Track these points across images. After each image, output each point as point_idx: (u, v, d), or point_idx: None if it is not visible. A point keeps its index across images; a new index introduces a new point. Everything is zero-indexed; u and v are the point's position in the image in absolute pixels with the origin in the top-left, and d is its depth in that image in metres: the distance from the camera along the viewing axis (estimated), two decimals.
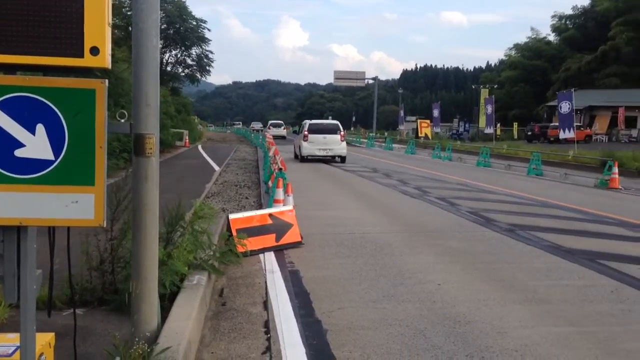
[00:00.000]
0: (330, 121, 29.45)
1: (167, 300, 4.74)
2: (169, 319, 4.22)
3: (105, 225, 3.10)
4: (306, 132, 25.12)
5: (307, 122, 26.99)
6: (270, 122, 58.21)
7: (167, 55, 48.09)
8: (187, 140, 35.43)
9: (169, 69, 48.46)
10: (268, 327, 4.92)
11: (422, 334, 4.77)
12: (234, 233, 7.25)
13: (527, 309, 5.49)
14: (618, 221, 10.88)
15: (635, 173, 21.04)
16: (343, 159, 25.17)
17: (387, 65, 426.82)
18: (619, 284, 6.42)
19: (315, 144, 24.77)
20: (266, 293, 5.90)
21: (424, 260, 7.42)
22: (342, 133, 25.45)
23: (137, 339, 3.57)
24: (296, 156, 26.76)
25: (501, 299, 5.80)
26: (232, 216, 7.71)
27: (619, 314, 5.40)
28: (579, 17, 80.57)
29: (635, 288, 6.28)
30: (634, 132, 51.92)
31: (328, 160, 25.17)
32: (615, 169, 17.60)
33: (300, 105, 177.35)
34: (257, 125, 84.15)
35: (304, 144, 24.98)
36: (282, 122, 59.06)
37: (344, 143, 25.59)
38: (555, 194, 15.28)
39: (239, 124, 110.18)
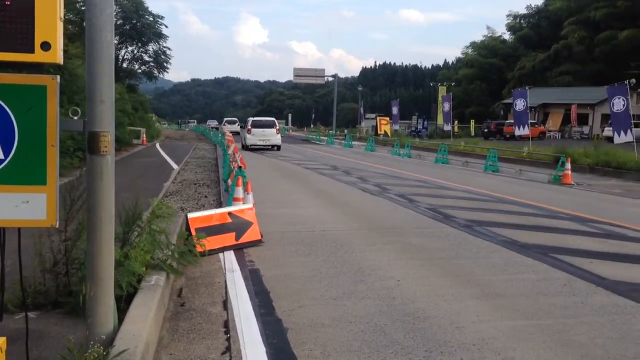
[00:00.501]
0: (268, 118, 35.28)
1: (123, 302, 4.64)
2: (126, 321, 4.13)
3: (58, 226, 3.03)
4: (250, 127, 31.95)
5: (251, 119, 34.08)
6: (225, 119, 62.21)
7: (123, 51, 47.21)
8: (145, 139, 34.87)
9: (125, 65, 47.57)
10: (228, 326, 4.88)
11: (382, 331, 4.80)
12: (193, 232, 7.16)
13: (484, 304, 5.59)
14: (571, 216, 11.17)
15: (587, 169, 21.61)
16: (278, 147, 31.69)
17: (346, 62, 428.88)
18: (571, 277, 6.59)
19: (256, 136, 31.34)
20: (226, 292, 5.85)
21: (383, 257, 7.48)
22: (277, 128, 32.40)
23: (92, 342, 3.49)
24: (243, 147, 31.15)
25: (459, 294, 5.89)
26: (190, 215, 7.62)
27: (572, 307, 5.54)
28: (533, 16, 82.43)
29: (586, 281, 6.46)
30: (586, 129, 53.46)
31: (288, 158, 26.35)
32: (568, 165, 18.06)
33: (260, 102, 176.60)
34: (212, 122, 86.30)
35: (248, 136, 31.63)
36: (236, 119, 64.17)
37: (279, 135, 32.55)
38: (511, 189, 15.60)
39: (194, 122, 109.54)
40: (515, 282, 6.33)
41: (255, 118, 35.41)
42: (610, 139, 26.41)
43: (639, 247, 8.43)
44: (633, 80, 23.63)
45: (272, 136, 31.59)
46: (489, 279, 6.45)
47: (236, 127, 56.43)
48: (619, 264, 7.33)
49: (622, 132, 21.63)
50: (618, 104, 21.71)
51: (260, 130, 31.50)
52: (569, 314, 5.33)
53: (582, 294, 5.96)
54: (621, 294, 5.94)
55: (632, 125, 21.70)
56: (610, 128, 26.80)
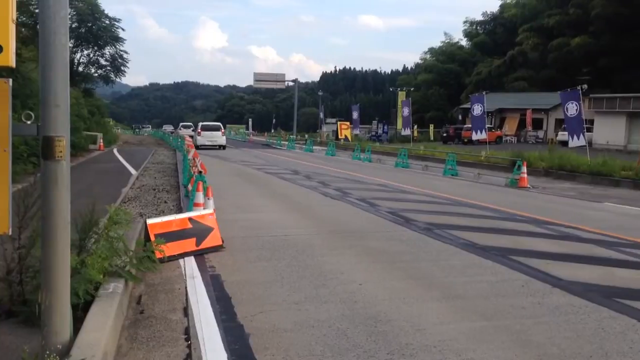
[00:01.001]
0: (215, 123, 42.73)
1: (80, 310, 4.53)
2: (83, 329, 4.04)
3: (11, 233, 2.93)
4: (200, 130, 38.90)
5: (200, 123, 41.29)
6: (180, 124, 66.17)
7: (78, 55, 46.28)
8: (102, 144, 34.21)
9: (80, 69, 46.64)
10: (189, 333, 4.81)
11: (344, 334, 4.81)
12: (152, 238, 7.04)
13: (445, 306, 5.65)
14: (527, 218, 11.42)
15: (542, 172, 22.13)
16: (224, 147, 38.41)
17: (306, 67, 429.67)
18: (528, 279, 6.73)
19: (205, 138, 37.81)
20: (186, 299, 5.77)
21: (345, 260, 7.50)
22: (222, 131, 39.21)
23: (48, 352, 3.40)
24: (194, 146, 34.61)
25: (420, 296, 5.94)
26: (150, 221, 7.50)
27: (530, 307, 5.65)
28: (489, 23, 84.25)
29: (543, 282, 6.60)
30: (541, 134, 54.83)
31: (249, 163, 26.46)
32: (524, 169, 18.47)
33: (220, 107, 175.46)
34: (168, 127, 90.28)
35: (198, 137, 37.48)
36: (191, 124, 66.96)
37: (224, 137, 39.45)
38: (470, 193, 15.86)
39: (149, 127, 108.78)
40: (474, 284, 6.43)
41: (204, 123, 42.31)
42: (564, 143, 27.16)
43: (593, 248, 8.66)
44: (585, 86, 24.32)
45: (218, 137, 38.55)
46: (449, 281, 6.53)
47: (191, 132, 56.63)
48: (574, 264, 7.52)
49: (575, 136, 22.24)
50: (571, 108, 22.32)
51: (209, 132, 38.56)
52: (526, 315, 5.43)
53: (539, 295, 6.09)
54: (576, 294, 6.09)
55: (585, 130, 22.35)
56: (564, 132, 27.55)
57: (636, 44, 53.35)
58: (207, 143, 37.24)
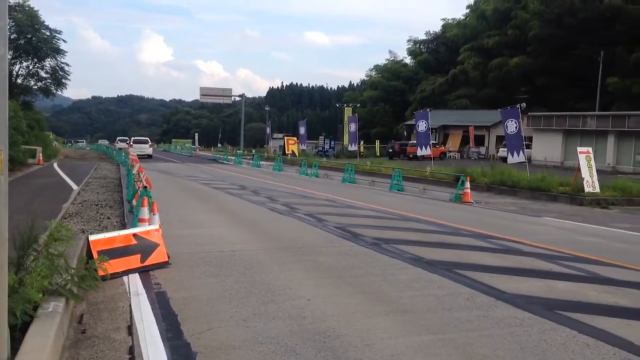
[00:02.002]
0: (144, 137, 56.51)
1: (19, 331, 4.34)
2: (21, 350, 3.87)
3: None
4: (131, 143, 52.11)
5: (133, 138, 56.11)
6: (133, 138, 63.08)
7: (17, 66, 44.76)
8: (41, 158, 33.13)
9: (19, 81, 45.11)
10: (133, 353, 4.67)
11: (293, 351, 4.77)
12: (95, 255, 6.83)
13: (393, 320, 5.69)
14: (472, 233, 11.66)
15: (484, 187, 22.69)
16: (150, 156, 48.78)
17: (253, 82, 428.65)
18: (474, 292, 6.85)
19: (136, 149, 43.60)
20: (130, 317, 5.61)
21: (293, 276, 7.46)
22: (149, 144, 52.51)
23: None
24: None
25: (368, 311, 5.96)
26: (92, 237, 7.28)
27: (475, 320, 5.75)
28: (432, 42, 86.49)
29: (488, 295, 6.74)
30: (483, 150, 56.36)
31: (195, 178, 26.36)
32: (468, 184, 18.90)
33: (165, 121, 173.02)
34: (104, 142, 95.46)
35: (131, 148, 42.60)
36: (127, 138, 72.06)
37: (151, 148, 52.15)
38: (416, 208, 16.10)
39: (83, 142, 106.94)
40: (421, 298, 6.50)
41: (135, 137, 56.86)
42: (504, 159, 27.93)
43: (534, 261, 8.90)
44: (524, 104, 25.13)
45: (146, 149, 49.61)
46: (396, 296, 6.58)
47: (126, 144, 57.89)
48: (517, 277, 7.71)
49: (515, 153, 22.94)
50: (511, 126, 23.02)
51: (139, 145, 49.86)
52: (472, 328, 5.53)
53: (484, 308, 6.20)
54: (519, 307, 6.24)
55: (524, 147, 23.08)
56: (505, 149, 28.37)
57: (571, 65, 55.71)
58: (138, 152, 41.16)
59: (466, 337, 5.23)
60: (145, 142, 51.69)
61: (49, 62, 46.19)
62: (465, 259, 8.91)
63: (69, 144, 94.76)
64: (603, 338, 5.26)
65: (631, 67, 50.27)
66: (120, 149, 50.40)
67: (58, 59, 46.17)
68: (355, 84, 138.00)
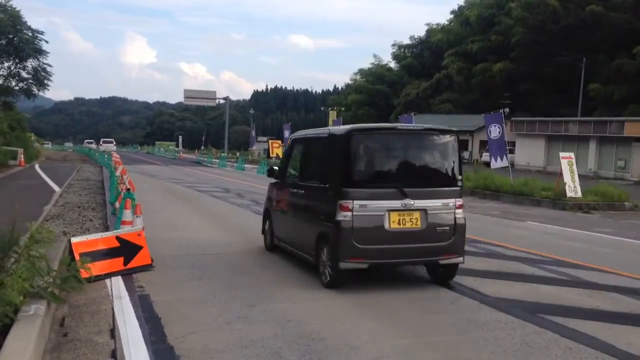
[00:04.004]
0: (110, 139, 78.07)
1: None
2: (1, 354, 3.81)
3: None
4: (101, 143, 72.90)
5: (102, 139, 77.09)
6: (102, 139, 79.94)
7: None
8: (23, 159, 32.75)
9: (0, 82, 44.61)
10: (116, 356, 4.63)
11: (278, 354, 4.75)
12: (77, 258, 6.76)
13: (377, 323, 5.70)
14: None
15: (468, 192, 22.75)
16: (115, 151, 49.42)
17: (237, 85, 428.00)
18: (457, 295, 6.89)
19: (103, 147, 61.52)
20: (113, 320, 5.56)
21: (278, 279, 7.44)
22: (114, 143, 76.07)
23: None
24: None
25: (352, 314, 5.97)
26: (74, 240, 7.21)
27: (459, 324, 5.78)
28: (416, 46, 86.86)
29: (471, 298, 6.77)
30: (466, 154, 56.67)
31: (179, 180, 26.28)
32: None
33: (149, 123, 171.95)
34: (68, 144, 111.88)
35: (100, 147, 63.73)
36: (92, 140, 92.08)
37: (115, 146, 72.50)
38: None
39: (48, 144, 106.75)
40: (405, 301, 6.52)
41: (104, 138, 79.07)
42: (488, 164, 28.08)
43: (518, 265, 8.97)
44: (507, 110, 25.34)
45: (112, 147, 65.46)
46: (380, 299, 6.58)
47: (112, 147, 73.48)
48: (500, 281, 7.76)
49: (498, 157, 23.07)
50: (494, 131, 23.16)
51: (106, 144, 68.51)
52: (456, 331, 5.55)
53: (468, 311, 6.23)
54: (503, 310, 6.27)
55: (507, 152, 23.24)
56: (488, 153, 28.56)
57: (553, 71, 56.30)
58: (105, 149, 55.51)
59: (450, 340, 5.25)
60: (111, 142, 74.18)
61: (30, 63, 45.71)
62: None
63: (46, 145, 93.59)
64: (585, 341, 5.30)
65: (612, 74, 50.91)
66: (104, 151, 52.41)
67: (40, 59, 45.70)
68: (339, 88, 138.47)
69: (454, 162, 7.68)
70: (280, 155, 53.80)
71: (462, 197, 7.64)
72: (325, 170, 7.60)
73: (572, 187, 19.46)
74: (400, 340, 5.20)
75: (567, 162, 20.02)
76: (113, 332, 5.21)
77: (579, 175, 20.61)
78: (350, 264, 6.84)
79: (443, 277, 7.52)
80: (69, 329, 5.27)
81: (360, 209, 6.87)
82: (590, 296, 7.10)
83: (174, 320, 5.59)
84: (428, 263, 7.54)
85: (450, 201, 7.44)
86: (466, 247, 10.34)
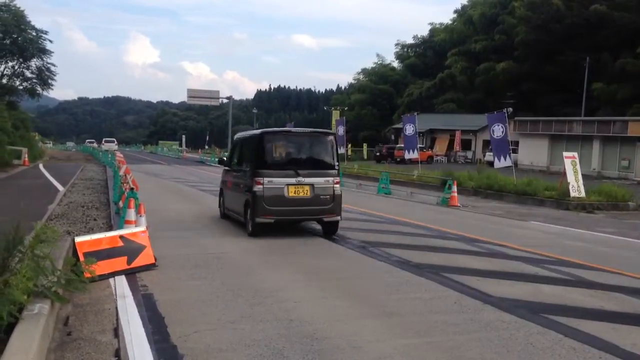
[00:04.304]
0: (111, 138, 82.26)
1: (3, 333, 4.30)
2: (6, 352, 3.83)
3: None
4: (103, 142, 75.61)
5: (104, 138, 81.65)
6: (104, 139, 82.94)
7: (2, 66, 44.44)
8: (27, 159, 32.82)
9: (4, 81, 44.74)
10: (119, 355, 4.64)
11: (281, 353, 4.76)
12: (81, 257, 6.78)
13: (380, 323, 5.70)
14: (458, 236, 11.71)
15: (471, 191, 22.78)
16: (116, 150, 52.99)
17: (240, 84, 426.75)
18: (461, 295, 6.88)
19: (105, 146, 63.80)
20: (117, 319, 5.57)
21: (281, 278, 7.45)
22: (115, 142, 76.61)
23: None
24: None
25: (355, 314, 5.97)
26: (78, 239, 7.22)
27: (462, 323, 5.77)
28: (419, 46, 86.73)
29: (475, 298, 6.76)
30: (469, 154, 56.60)
31: (180, 179, 26.45)
32: (455, 188, 18.96)
33: (152, 123, 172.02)
34: (70, 144, 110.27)
35: (102, 146, 67.12)
36: (93, 140, 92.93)
37: (116, 145, 72.86)
38: (403, 211, 16.14)
39: (49, 143, 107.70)
40: (409, 301, 6.52)
41: (106, 138, 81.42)
42: (491, 164, 28.06)
43: (521, 265, 8.96)
44: (510, 109, 25.31)
45: (113, 146, 68.42)
46: (383, 299, 6.59)
47: (114, 146, 77.04)
48: (503, 281, 7.75)
49: (501, 157, 23.04)
50: (497, 130, 23.12)
51: (107, 143, 71.08)
52: (459, 331, 5.54)
53: (471, 311, 6.23)
54: (506, 310, 6.27)
55: (511, 151, 23.21)
56: (491, 153, 28.53)
57: (557, 70, 56.16)
58: (106, 148, 59.17)
59: (453, 340, 5.24)
60: (112, 142, 75.95)
61: (34, 63, 45.89)
62: (452, 262, 8.94)
63: (47, 145, 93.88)
64: (589, 342, 5.30)
65: (616, 73, 50.78)
66: (107, 150, 53.18)
67: (44, 59, 45.88)
68: (343, 87, 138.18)
69: (332, 153, 11.21)
70: None
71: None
72: (248, 159, 11.47)
73: (576, 187, 19.43)
74: (404, 340, 5.20)
75: (570, 162, 19.99)
76: (117, 331, 5.22)
77: (583, 175, 20.59)
78: (263, 219, 10.47)
79: (328, 230, 11.16)
80: (73, 328, 5.28)
81: (268, 183, 10.46)
82: (594, 296, 7.09)
83: (178, 319, 5.60)
84: (316, 220, 11.25)
85: (330, 179, 10.94)
86: (469, 247, 10.43)
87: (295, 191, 10.59)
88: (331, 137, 11.57)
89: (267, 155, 10.88)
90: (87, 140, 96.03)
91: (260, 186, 10.43)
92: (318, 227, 11.98)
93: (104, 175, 26.57)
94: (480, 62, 67.28)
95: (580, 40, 53.35)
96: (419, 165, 30.90)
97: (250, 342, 5.01)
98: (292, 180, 10.57)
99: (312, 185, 10.68)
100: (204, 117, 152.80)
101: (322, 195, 10.74)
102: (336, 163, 11.17)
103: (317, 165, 11.06)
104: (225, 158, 14.07)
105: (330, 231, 11.15)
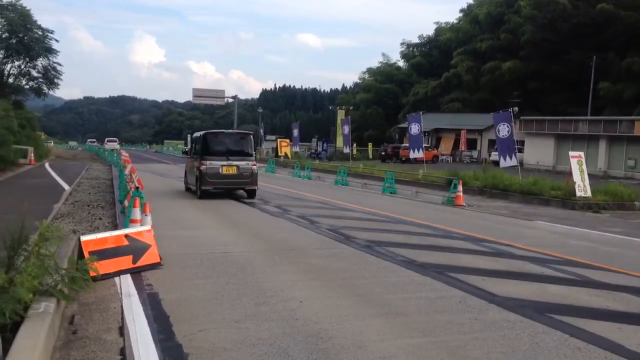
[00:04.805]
0: (114, 138, 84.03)
1: (9, 331, 4.31)
2: (12, 351, 3.84)
3: None
4: (106, 141, 78.79)
5: (107, 139, 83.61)
6: (107, 139, 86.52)
7: (9, 66, 44.53)
8: (33, 158, 32.95)
9: (11, 80, 44.87)
10: (124, 354, 4.65)
11: (286, 353, 4.75)
12: (87, 256, 6.79)
13: (385, 322, 5.69)
14: (464, 236, 11.69)
15: (476, 191, 22.73)
16: (118, 149, 55.44)
17: (246, 84, 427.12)
18: (466, 295, 6.86)
19: (109, 145, 68.86)
20: (122, 318, 5.58)
21: (285, 277, 7.45)
22: (117, 142, 79.63)
23: None
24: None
25: (361, 313, 5.96)
26: (83, 238, 7.24)
27: (467, 323, 5.76)
28: (425, 45, 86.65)
29: (480, 298, 6.74)
30: (475, 153, 56.51)
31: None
32: (460, 188, 18.92)
33: (158, 122, 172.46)
34: (72, 143, 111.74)
35: (105, 145, 70.35)
36: (116, 139, 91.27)
37: (118, 145, 73.41)
38: (408, 211, 16.12)
39: (51, 143, 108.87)
40: (414, 301, 6.50)
41: (109, 138, 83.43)
42: (496, 163, 27.99)
43: (526, 265, 8.93)
44: (516, 109, 25.20)
45: (115, 145, 71.49)
46: (388, 298, 6.58)
47: (116, 145, 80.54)
48: (508, 281, 7.73)
49: (507, 156, 22.98)
50: (503, 130, 23.06)
51: (110, 143, 74.25)
52: (464, 330, 5.53)
53: (476, 311, 6.21)
54: (511, 310, 6.25)
55: (516, 151, 23.15)
56: (497, 152, 28.45)
57: (563, 69, 55.99)
58: (109, 147, 63.70)
59: (458, 340, 5.23)
60: (115, 141, 79.31)
61: (40, 62, 45.98)
62: (458, 262, 8.92)
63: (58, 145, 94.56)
64: (595, 342, 5.28)
65: (622, 72, 50.60)
66: (112, 149, 56.23)
67: (50, 58, 45.97)
68: (348, 87, 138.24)
69: (251, 146, 17.52)
70: (289, 154, 54.18)
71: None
72: (198, 150, 17.26)
73: (582, 187, 19.37)
74: (408, 340, 5.19)
75: (576, 162, 19.92)
76: (122, 330, 5.23)
77: (589, 175, 20.52)
78: (206, 187, 16.51)
79: (249, 196, 17.29)
80: (79, 326, 5.30)
81: (209, 164, 16.35)
82: (600, 296, 7.07)
83: (183, 318, 5.61)
84: (240, 189, 17.34)
85: (250, 162, 16.87)
86: (474, 246, 10.42)
87: (226, 170, 16.68)
88: (250, 136, 18.01)
89: (208, 147, 16.98)
90: (89, 140, 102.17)
91: (205, 167, 16.50)
92: (324, 227, 11.99)
93: (109, 174, 26.64)
94: (486, 61, 67.16)
95: (586, 40, 53.18)
96: (424, 165, 30.88)
97: (256, 341, 5.02)
98: (225, 163, 16.68)
99: (237, 166, 16.81)
100: (210, 116, 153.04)
101: (244, 172, 16.90)
102: (253, 152, 17.62)
103: (240, 154, 17.14)
104: (185, 149, 23.00)
105: (250, 196, 17.43)
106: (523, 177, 22.51)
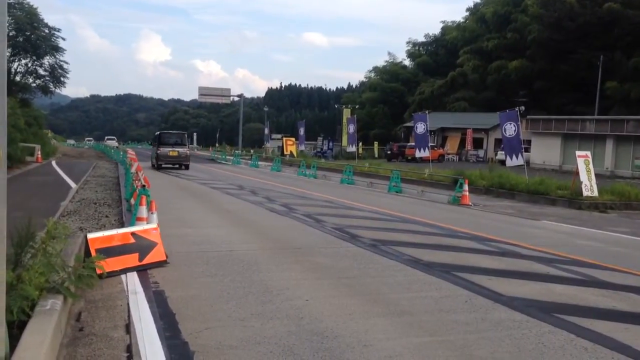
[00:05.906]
0: (113, 137, 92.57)
1: (16, 328, 4.33)
2: (19, 348, 3.86)
3: None
4: (106, 139, 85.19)
5: (107, 137, 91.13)
6: (106, 137, 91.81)
7: (16, 64, 44.79)
8: (40, 156, 33.11)
9: (18, 79, 45.11)
10: (131, 351, 4.66)
11: (291, 351, 4.76)
12: (93, 253, 6.82)
13: (390, 322, 5.68)
14: (470, 235, 11.66)
15: (482, 190, 22.68)
16: (117, 147, 60.26)
17: (251, 83, 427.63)
18: (472, 294, 6.85)
19: (108, 143, 74.60)
20: (128, 315, 5.60)
21: (291, 276, 7.46)
22: (115, 140, 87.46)
23: None
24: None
25: (366, 312, 5.96)
26: (90, 235, 7.26)
27: (473, 322, 5.75)
28: (431, 44, 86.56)
29: (486, 297, 6.73)
30: (481, 153, 56.38)
31: (194, 177, 26.51)
32: (466, 187, 18.89)
33: (163, 121, 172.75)
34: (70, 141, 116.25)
35: (106, 143, 76.95)
36: (114, 137, 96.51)
37: (116, 143, 79.98)
38: (414, 210, 16.11)
39: (72, 141, 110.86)
40: (419, 300, 6.50)
41: (108, 136, 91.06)
42: (503, 162, 27.93)
43: (532, 264, 8.91)
44: (522, 108, 25.17)
45: (114, 143, 75.99)
46: (394, 297, 6.58)
47: (115, 143, 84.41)
48: (515, 280, 7.71)
49: (513, 156, 22.92)
50: (509, 129, 23.00)
51: (109, 141, 79.05)
52: (470, 330, 5.52)
53: (482, 310, 6.20)
54: (517, 309, 6.24)
55: (523, 150, 23.09)
56: (503, 152, 28.39)
57: (570, 69, 55.80)
58: (110, 144, 70.50)
59: (464, 339, 5.22)
60: (113, 139, 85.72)
61: (47, 60, 46.27)
62: (463, 261, 8.90)
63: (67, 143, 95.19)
64: (601, 342, 5.26)
65: (630, 72, 50.39)
66: (115, 147, 61.10)
67: (57, 57, 46.26)
68: (354, 85, 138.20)
69: (186, 140, 33.93)
70: (294, 153, 54.23)
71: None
72: (156, 142, 32.62)
73: (589, 186, 19.31)
74: (414, 339, 5.19)
75: (583, 161, 19.86)
76: (128, 328, 5.25)
77: (596, 174, 20.45)
78: (159, 162, 31.21)
79: (186, 168, 31.51)
80: (85, 323, 5.32)
81: (162, 150, 31.32)
82: (606, 296, 7.04)
83: (189, 316, 5.62)
84: (179, 164, 31.59)
85: (185, 149, 32.19)
86: (480, 246, 10.40)
87: (171, 153, 31.17)
88: (185, 134, 35.96)
89: (161, 140, 31.78)
90: (87, 139, 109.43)
91: (160, 152, 31.01)
92: (330, 226, 12.01)
93: (115, 172, 26.73)
94: (492, 60, 67.01)
95: (593, 39, 52.98)
96: (430, 164, 30.82)
97: (261, 339, 5.02)
98: (172, 149, 31.28)
99: (178, 151, 31.32)
100: (215, 114, 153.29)
101: (182, 155, 31.34)
102: (186, 144, 33.18)
103: (180, 144, 32.14)
104: (155, 142, 32.95)
105: (185, 168, 31.31)
106: (529, 176, 22.45)
